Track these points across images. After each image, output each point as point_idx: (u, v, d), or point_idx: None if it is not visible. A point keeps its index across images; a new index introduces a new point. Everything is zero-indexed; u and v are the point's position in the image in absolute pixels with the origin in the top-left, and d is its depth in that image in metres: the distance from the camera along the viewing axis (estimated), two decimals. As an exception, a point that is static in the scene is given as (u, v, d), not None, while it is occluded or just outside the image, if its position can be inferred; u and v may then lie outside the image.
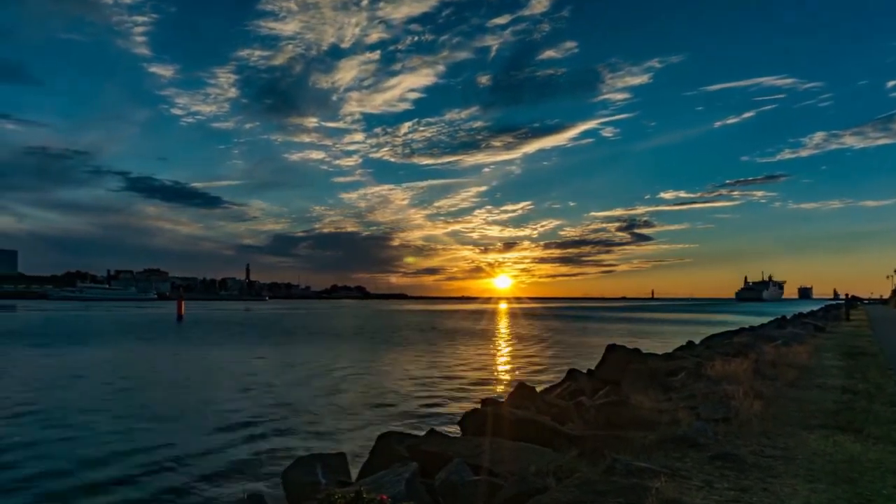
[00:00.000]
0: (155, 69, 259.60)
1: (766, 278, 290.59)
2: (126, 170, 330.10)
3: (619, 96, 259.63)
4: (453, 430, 11.66)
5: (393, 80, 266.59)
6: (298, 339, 47.83)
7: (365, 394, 20.67)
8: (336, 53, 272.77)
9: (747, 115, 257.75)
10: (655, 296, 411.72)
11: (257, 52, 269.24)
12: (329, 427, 15.52)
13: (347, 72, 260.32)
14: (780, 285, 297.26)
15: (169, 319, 74.49)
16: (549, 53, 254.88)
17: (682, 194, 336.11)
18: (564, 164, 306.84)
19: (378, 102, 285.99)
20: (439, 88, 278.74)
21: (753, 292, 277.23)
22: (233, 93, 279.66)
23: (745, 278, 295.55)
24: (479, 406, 11.33)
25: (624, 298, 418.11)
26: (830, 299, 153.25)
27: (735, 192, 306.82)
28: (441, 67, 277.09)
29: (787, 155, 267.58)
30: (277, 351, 37.08)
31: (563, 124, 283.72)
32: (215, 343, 42.32)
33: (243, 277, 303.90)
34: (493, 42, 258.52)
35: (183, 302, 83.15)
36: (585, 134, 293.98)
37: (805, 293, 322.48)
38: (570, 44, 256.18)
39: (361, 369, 27.73)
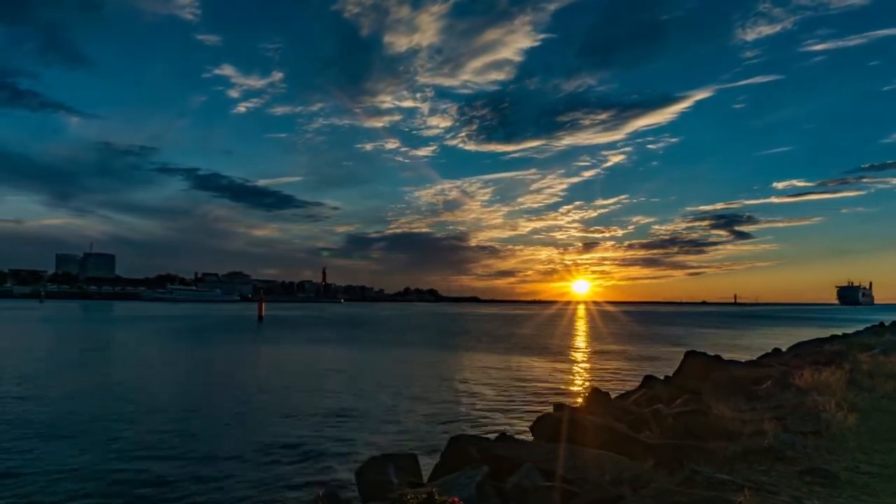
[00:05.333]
0: (203, 38, 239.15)
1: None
2: (191, 166, 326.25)
3: (749, 54, 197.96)
4: (525, 433, 11.56)
5: (478, 41, 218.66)
6: (373, 340, 48.83)
7: (437, 395, 20.80)
8: (414, 1, 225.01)
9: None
10: (738, 300, 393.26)
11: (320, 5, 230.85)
12: (402, 427, 15.73)
13: (425, 31, 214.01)
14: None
15: (251, 320, 79.02)
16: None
17: (799, 183, 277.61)
18: (667, 150, 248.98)
19: (458, 73, 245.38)
20: (533, 52, 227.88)
21: None
22: (292, 66, 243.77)
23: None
24: (550, 410, 11.18)
25: (704, 303, 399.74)
26: None
27: (865, 179, 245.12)
28: (532, 16, 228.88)
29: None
30: (351, 351, 38.03)
31: (672, 95, 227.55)
32: (293, 342, 43.91)
33: (319, 280, 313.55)
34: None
35: (263, 303, 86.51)
36: (700, 106, 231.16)
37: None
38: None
39: (434, 371, 27.94)
